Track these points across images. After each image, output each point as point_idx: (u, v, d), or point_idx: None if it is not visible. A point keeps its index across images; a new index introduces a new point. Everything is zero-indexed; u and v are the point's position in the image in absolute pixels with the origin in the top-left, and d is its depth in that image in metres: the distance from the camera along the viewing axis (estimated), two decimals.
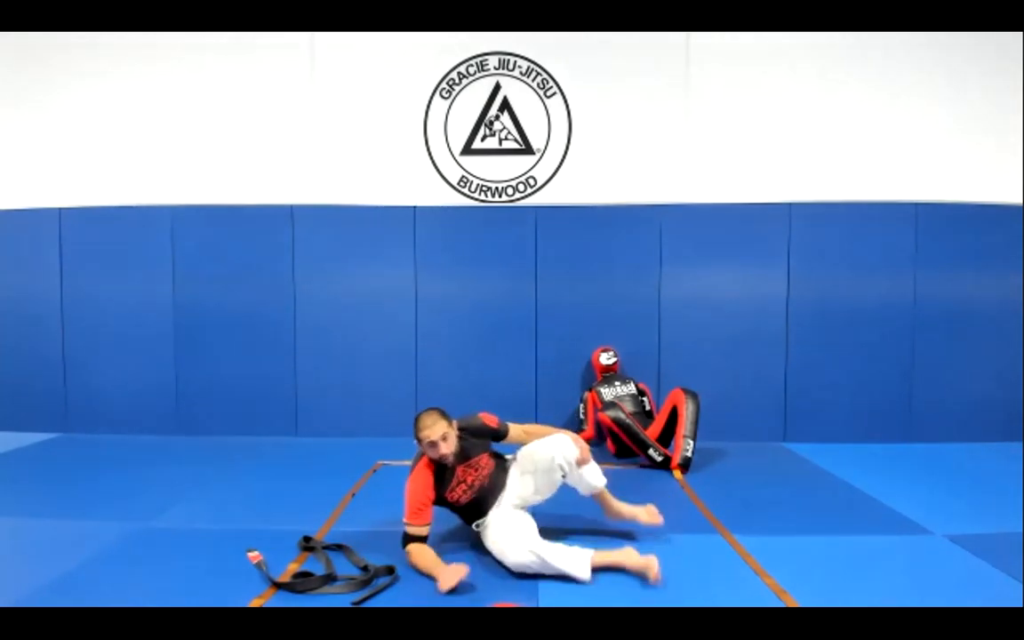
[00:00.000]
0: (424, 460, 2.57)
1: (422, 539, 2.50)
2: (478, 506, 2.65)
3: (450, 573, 2.27)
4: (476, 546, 2.68)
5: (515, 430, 2.77)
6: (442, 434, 2.50)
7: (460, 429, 2.63)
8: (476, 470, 2.64)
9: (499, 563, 2.49)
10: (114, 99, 4.82)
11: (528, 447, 2.70)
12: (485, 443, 2.72)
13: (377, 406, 4.74)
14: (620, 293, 4.70)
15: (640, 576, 2.36)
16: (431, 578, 2.34)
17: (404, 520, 2.51)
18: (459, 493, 2.61)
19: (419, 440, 2.53)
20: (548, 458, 2.59)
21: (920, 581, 2.38)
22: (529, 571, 2.39)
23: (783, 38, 4.63)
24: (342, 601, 2.17)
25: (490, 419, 2.75)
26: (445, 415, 2.58)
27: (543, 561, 2.36)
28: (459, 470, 2.60)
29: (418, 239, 4.75)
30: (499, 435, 2.74)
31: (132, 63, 4.80)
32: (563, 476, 2.62)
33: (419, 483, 2.54)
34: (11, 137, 4.89)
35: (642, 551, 2.44)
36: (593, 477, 2.67)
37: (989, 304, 4.58)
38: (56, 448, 4.41)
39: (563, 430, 2.73)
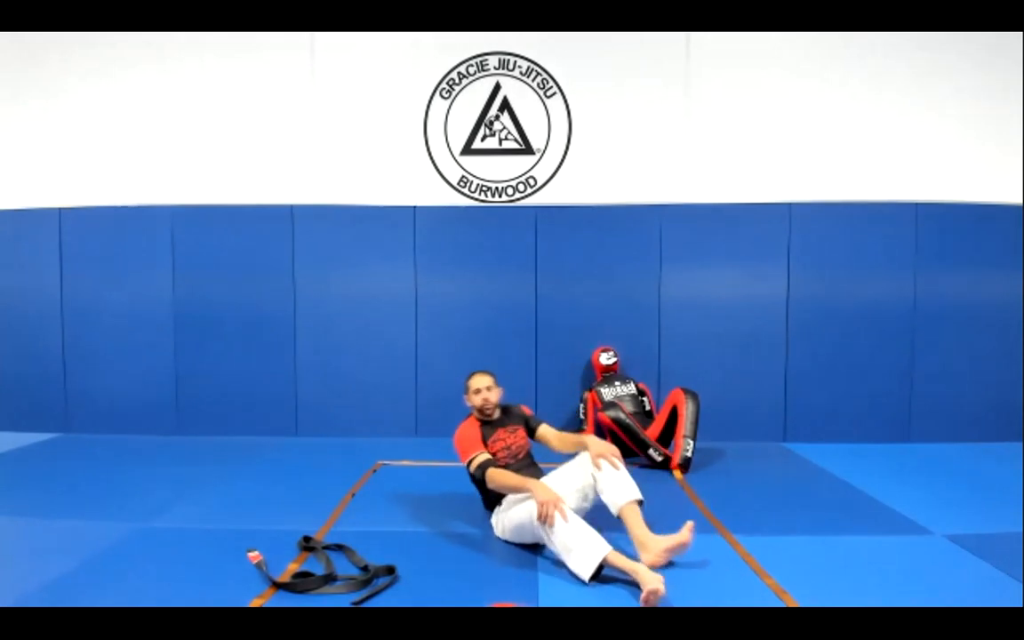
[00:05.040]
0: (471, 417, 2.93)
1: (492, 462, 2.72)
2: None
3: (546, 489, 2.47)
4: (482, 547, 2.68)
5: (546, 429, 2.99)
6: (489, 384, 2.92)
7: (501, 404, 2.99)
8: (514, 436, 2.92)
9: (509, 540, 2.68)
10: (114, 99, 4.82)
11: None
12: (521, 424, 3.00)
13: (377, 406, 4.74)
14: (620, 293, 4.70)
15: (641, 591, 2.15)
16: (522, 491, 2.55)
17: (468, 456, 2.75)
18: (499, 448, 2.84)
19: (468, 390, 2.94)
20: (581, 458, 2.75)
21: (920, 581, 2.38)
22: (536, 534, 2.49)
23: (783, 38, 4.63)
24: (342, 601, 2.17)
25: (526, 409, 3.08)
26: (494, 377, 2.97)
27: (558, 540, 2.37)
28: (500, 430, 2.89)
29: (418, 239, 4.75)
30: (530, 424, 3.00)
31: (132, 63, 4.80)
32: (594, 481, 2.65)
33: (468, 430, 2.86)
34: (11, 137, 4.89)
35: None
36: (620, 488, 2.56)
37: (989, 304, 4.58)
38: (56, 448, 4.41)
39: (591, 436, 2.82)
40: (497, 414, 2.95)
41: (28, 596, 2.21)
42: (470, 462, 2.74)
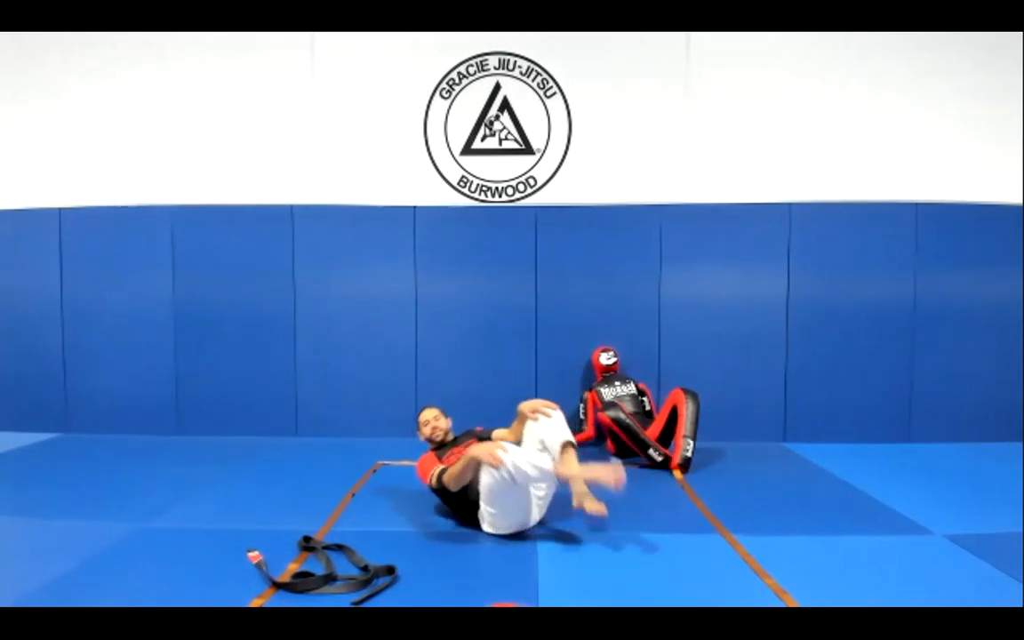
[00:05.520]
0: (428, 452, 3.16)
1: (446, 469, 2.88)
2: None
3: (481, 444, 2.66)
4: (482, 546, 2.68)
5: (499, 431, 3.17)
6: (436, 415, 3.23)
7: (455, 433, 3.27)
8: (468, 447, 2.95)
9: (489, 524, 2.79)
10: (114, 99, 4.82)
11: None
12: (473, 438, 3.16)
13: (377, 406, 4.74)
14: (620, 293, 4.70)
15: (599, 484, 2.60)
16: (469, 464, 2.67)
17: (428, 476, 2.95)
18: (455, 460, 2.93)
19: (419, 426, 3.24)
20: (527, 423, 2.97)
21: (920, 581, 2.38)
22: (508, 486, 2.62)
23: (782, 38, 4.63)
24: (342, 601, 2.17)
25: (478, 428, 3.30)
26: (440, 409, 3.29)
27: (516, 468, 2.55)
28: (453, 448, 3.11)
29: (418, 239, 4.75)
30: (482, 436, 3.15)
31: (132, 63, 4.80)
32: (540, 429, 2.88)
33: (426, 458, 3.12)
34: (11, 137, 4.89)
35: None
36: (553, 433, 2.82)
37: (989, 304, 4.58)
38: (56, 448, 4.41)
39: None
40: (450, 437, 3.22)
41: (28, 596, 2.21)
42: (431, 480, 2.92)
